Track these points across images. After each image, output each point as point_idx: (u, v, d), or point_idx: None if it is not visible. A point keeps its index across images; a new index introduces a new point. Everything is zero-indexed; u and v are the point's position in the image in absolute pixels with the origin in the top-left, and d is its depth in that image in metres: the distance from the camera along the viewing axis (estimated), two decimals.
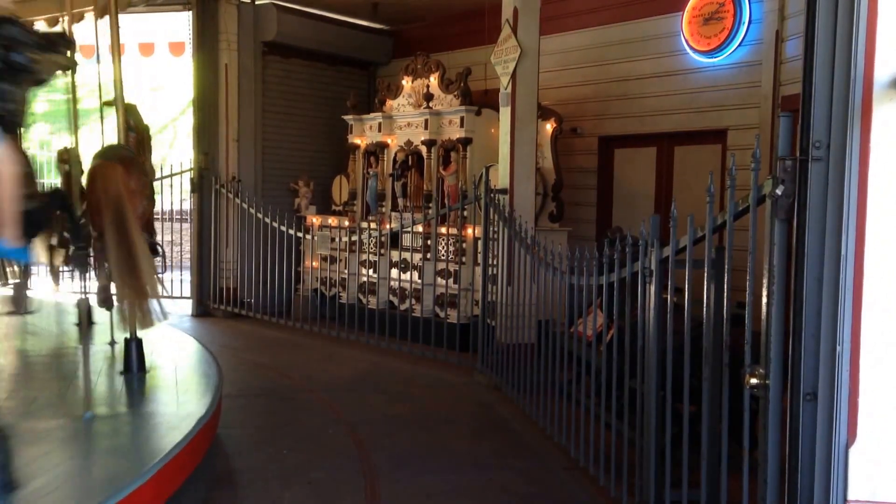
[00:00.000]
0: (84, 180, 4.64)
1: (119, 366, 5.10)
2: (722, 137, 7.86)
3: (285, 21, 10.27)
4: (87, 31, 6.78)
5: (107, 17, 5.52)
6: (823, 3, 2.22)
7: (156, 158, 6.51)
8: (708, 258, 3.28)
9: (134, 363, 5.04)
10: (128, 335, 5.03)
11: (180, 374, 5.17)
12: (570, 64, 9.04)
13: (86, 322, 4.87)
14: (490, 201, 7.00)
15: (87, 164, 4.66)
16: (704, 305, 3.30)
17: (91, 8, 6.25)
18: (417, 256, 8.56)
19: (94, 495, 3.09)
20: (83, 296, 4.70)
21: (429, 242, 8.36)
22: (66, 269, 6.19)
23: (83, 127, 6.71)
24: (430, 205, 8.47)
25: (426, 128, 8.68)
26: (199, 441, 3.95)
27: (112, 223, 4.23)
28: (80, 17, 7.55)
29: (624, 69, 8.62)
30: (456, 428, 5.77)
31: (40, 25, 8.29)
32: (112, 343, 5.59)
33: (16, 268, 6.65)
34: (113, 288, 4.58)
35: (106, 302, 5.04)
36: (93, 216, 4.47)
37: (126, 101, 5.32)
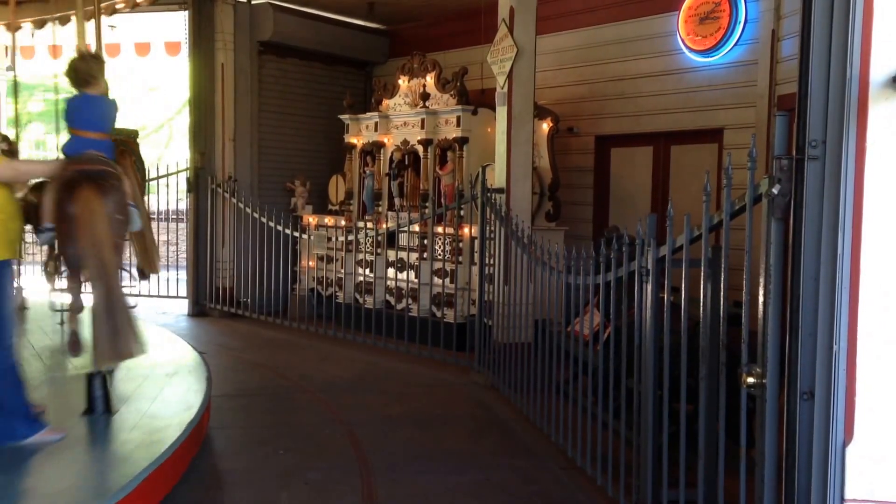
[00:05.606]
0: (55, 191, 4.11)
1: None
2: (718, 137, 7.86)
3: (281, 21, 10.25)
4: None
5: (106, 18, 5.52)
6: (819, 3, 2.22)
7: (152, 158, 6.45)
8: (704, 257, 3.28)
9: (99, 404, 4.46)
10: (92, 369, 4.46)
11: (155, 407, 4.67)
12: (566, 63, 9.04)
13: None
14: (487, 201, 6.99)
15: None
16: (701, 304, 3.30)
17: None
18: (414, 256, 8.55)
19: None
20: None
21: (425, 242, 8.35)
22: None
23: None
24: (427, 204, 8.46)
25: (423, 127, 8.67)
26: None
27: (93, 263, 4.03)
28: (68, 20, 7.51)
29: (620, 69, 8.61)
30: (453, 428, 5.77)
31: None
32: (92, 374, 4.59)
33: None
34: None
35: (74, 348, 4.51)
36: (66, 240, 4.13)
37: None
